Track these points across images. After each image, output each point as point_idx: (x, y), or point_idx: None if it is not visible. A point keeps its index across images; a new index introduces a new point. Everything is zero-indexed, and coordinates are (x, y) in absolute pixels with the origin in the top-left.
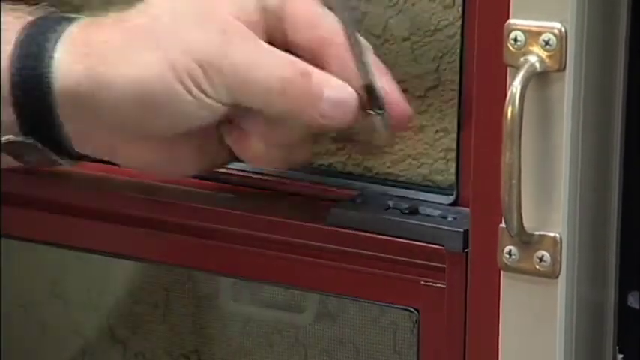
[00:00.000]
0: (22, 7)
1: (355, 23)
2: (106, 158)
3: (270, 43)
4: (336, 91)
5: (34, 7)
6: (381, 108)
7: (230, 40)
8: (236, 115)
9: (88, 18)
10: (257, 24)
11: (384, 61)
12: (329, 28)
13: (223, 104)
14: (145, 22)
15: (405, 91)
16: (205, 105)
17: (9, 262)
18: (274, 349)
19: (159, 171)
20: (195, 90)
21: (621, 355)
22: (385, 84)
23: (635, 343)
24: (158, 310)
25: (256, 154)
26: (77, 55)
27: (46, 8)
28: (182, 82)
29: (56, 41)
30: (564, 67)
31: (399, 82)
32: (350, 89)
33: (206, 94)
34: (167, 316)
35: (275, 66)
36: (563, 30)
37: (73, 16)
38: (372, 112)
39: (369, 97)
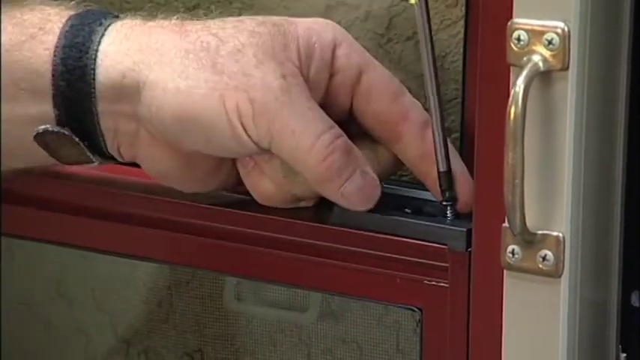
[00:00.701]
0: (65, 1)
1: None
2: (129, 159)
3: (329, 104)
4: (365, 177)
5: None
6: (450, 198)
7: (288, 88)
8: (260, 154)
9: (135, 18)
10: (321, 81)
11: (388, 60)
12: (407, 103)
13: (259, 147)
14: (210, 41)
15: (408, 90)
16: (243, 142)
17: (13, 261)
18: (278, 349)
19: (172, 181)
20: (238, 126)
21: (624, 354)
22: (458, 168)
23: (638, 342)
24: (162, 310)
25: (265, 194)
26: (125, 50)
27: (90, 4)
28: (228, 114)
29: (102, 34)
30: (567, 67)
31: (402, 81)
32: (378, 181)
33: (247, 132)
34: (171, 315)
35: (320, 132)
36: (566, 29)
37: (118, 14)
38: (442, 201)
39: (442, 184)
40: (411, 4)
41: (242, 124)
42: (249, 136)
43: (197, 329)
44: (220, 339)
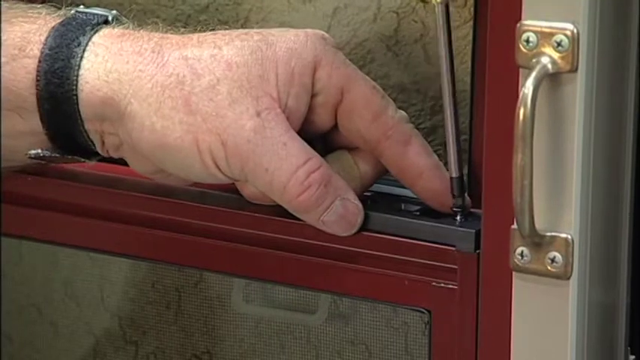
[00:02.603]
0: (41, 8)
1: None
2: (119, 157)
3: (312, 121)
4: (345, 205)
5: (52, 7)
6: (460, 205)
7: (261, 125)
8: None
9: (114, 30)
10: (301, 106)
11: (396, 63)
12: (388, 121)
13: (236, 179)
14: (185, 75)
15: (417, 91)
16: (218, 178)
17: (22, 262)
18: (286, 350)
19: (159, 180)
20: (212, 166)
21: (633, 357)
22: (430, 163)
23: None
24: (170, 311)
25: (251, 196)
26: (104, 77)
27: (67, 11)
28: (201, 155)
29: (81, 56)
30: (576, 69)
31: (411, 83)
32: (360, 206)
33: (222, 171)
34: (179, 316)
35: (295, 168)
36: (575, 31)
37: (95, 20)
38: (453, 207)
39: (453, 190)
40: (433, 3)
41: (216, 164)
42: (224, 174)
43: (205, 331)
44: (228, 341)
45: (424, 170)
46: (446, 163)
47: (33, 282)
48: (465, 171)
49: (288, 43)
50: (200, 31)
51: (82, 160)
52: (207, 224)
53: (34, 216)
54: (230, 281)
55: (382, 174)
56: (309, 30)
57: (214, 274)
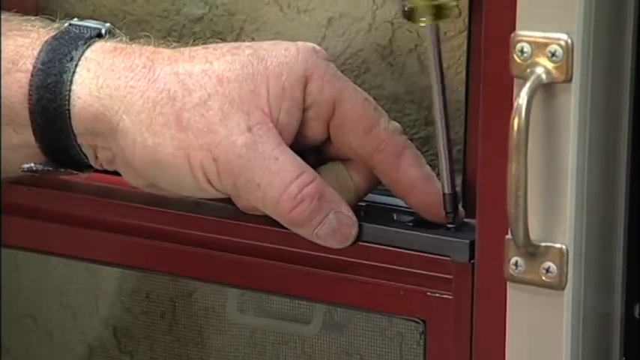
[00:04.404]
0: (35, 21)
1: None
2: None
3: (305, 134)
4: (339, 217)
5: (46, 20)
6: (453, 221)
7: (253, 140)
8: None
9: (106, 44)
10: (292, 120)
11: (390, 73)
12: (381, 134)
13: (227, 195)
14: (176, 90)
15: (411, 102)
16: (211, 193)
17: (18, 272)
18: None
19: (151, 191)
20: (204, 181)
21: None
22: (422, 174)
23: None
24: (165, 321)
25: (245, 208)
26: (96, 92)
27: (60, 24)
28: (193, 171)
29: (73, 71)
30: (571, 79)
31: (405, 92)
32: (354, 219)
33: (214, 186)
34: (173, 327)
35: (288, 183)
36: (569, 41)
37: (88, 34)
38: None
39: (446, 206)
40: (421, 26)
41: (208, 179)
42: (216, 189)
43: (200, 341)
44: (223, 351)
45: (417, 182)
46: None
47: (28, 292)
48: (459, 181)
49: (279, 57)
50: (194, 42)
51: (76, 172)
52: (202, 234)
53: (30, 226)
54: (225, 291)
55: (376, 185)
56: (300, 43)
57: (209, 284)
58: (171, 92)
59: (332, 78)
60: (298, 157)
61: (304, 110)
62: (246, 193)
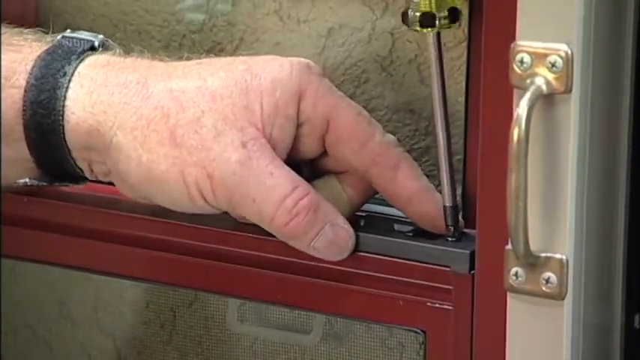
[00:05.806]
0: (28, 34)
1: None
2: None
3: (299, 149)
4: (335, 230)
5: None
6: (454, 233)
7: (247, 156)
8: None
9: (99, 59)
10: (286, 136)
11: (390, 83)
12: (375, 148)
13: (222, 211)
14: (170, 107)
15: (411, 112)
16: (206, 209)
17: (17, 283)
18: None
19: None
20: (199, 198)
21: None
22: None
23: None
24: (165, 331)
25: (240, 218)
26: (90, 108)
27: (53, 37)
28: (188, 188)
29: (67, 87)
30: (570, 89)
31: (405, 103)
32: (351, 231)
33: (209, 203)
34: (174, 337)
35: (283, 197)
36: (569, 52)
37: (81, 48)
38: (446, 236)
39: (447, 219)
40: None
41: (203, 196)
42: (211, 206)
43: (200, 351)
44: None
45: (414, 194)
46: (439, 184)
47: (27, 303)
48: (459, 191)
49: (273, 73)
50: (194, 52)
51: (71, 185)
52: (202, 245)
53: (29, 236)
54: (225, 301)
55: (371, 197)
56: (294, 59)
57: (209, 294)
58: (164, 109)
59: (325, 94)
60: (293, 172)
61: (298, 126)
62: (242, 209)
